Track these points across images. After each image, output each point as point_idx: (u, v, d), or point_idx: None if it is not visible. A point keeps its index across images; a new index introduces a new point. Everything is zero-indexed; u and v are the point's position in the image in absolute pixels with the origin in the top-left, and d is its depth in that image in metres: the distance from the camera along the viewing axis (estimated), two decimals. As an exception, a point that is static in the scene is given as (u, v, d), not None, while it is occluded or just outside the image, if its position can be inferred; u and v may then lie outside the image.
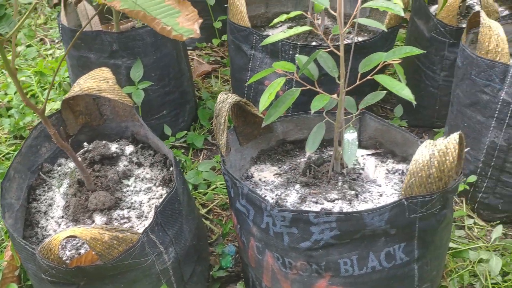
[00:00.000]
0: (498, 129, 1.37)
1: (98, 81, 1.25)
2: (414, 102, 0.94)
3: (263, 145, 1.39)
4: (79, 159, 1.29)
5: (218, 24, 2.36)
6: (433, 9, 1.81)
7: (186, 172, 1.71)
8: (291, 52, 1.54)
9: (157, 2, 0.82)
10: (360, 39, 1.68)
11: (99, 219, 1.12)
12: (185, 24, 0.78)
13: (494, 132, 1.38)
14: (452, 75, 1.55)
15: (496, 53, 1.31)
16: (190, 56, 2.46)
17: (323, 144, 1.38)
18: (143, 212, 1.14)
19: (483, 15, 1.32)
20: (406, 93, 0.97)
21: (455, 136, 0.94)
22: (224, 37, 2.43)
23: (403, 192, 1.00)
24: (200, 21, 0.78)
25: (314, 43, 1.71)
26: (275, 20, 1.09)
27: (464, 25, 1.76)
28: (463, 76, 1.43)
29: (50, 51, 2.58)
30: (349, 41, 1.69)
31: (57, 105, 2.01)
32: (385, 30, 1.05)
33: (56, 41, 2.71)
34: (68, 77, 2.03)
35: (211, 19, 2.38)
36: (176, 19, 0.80)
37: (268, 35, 1.60)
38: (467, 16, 1.81)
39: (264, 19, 1.90)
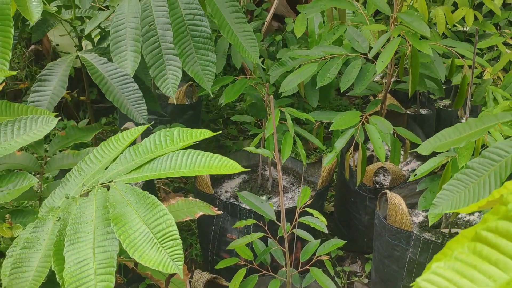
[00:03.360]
0: (409, 277, 1.79)
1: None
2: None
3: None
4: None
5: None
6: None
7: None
8: (247, 214, 1.93)
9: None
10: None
11: None
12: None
13: (406, 279, 1.80)
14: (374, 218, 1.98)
15: (401, 223, 1.75)
16: (156, 185, 2.80)
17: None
18: None
19: (389, 195, 1.77)
20: (333, 289, 1.36)
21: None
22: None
23: None
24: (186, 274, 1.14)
25: (264, 197, 2.12)
26: (236, 224, 1.47)
27: (380, 175, 2.22)
28: (380, 233, 1.86)
29: None
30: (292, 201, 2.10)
31: None
32: (325, 230, 1.45)
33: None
34: None
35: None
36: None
37: (229, 202, 1.99)
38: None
39: (223, 173, 2.30)
